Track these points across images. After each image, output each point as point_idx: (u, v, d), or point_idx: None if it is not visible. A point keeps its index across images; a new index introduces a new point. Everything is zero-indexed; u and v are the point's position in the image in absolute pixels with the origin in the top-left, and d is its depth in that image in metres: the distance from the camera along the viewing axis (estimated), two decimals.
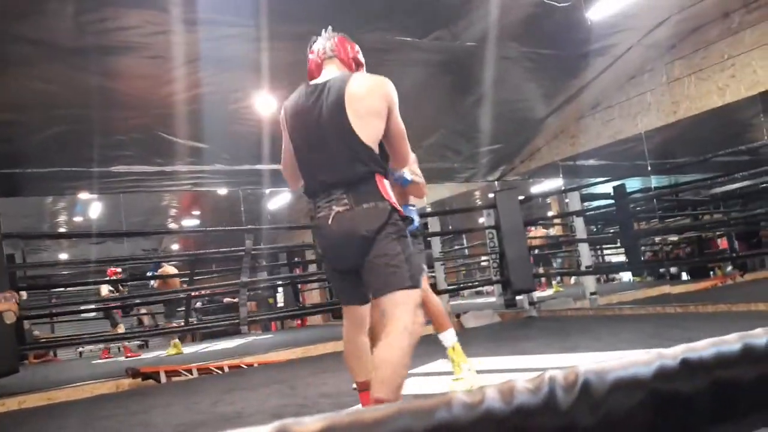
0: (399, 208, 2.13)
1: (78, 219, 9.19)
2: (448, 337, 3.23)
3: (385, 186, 2.11)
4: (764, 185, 7.26)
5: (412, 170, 2.90)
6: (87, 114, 4.72)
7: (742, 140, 6.40)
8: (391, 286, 2.03)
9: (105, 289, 7.97)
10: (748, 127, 6.60)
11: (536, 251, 8.91)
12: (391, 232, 2.06)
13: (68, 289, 9.88)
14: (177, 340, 7.53)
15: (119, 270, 7.96)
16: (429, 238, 7.68)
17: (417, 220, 3.26)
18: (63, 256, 10.25)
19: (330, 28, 2.39)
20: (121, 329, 7.89)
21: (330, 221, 2.08)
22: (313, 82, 2.23)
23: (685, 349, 0.50)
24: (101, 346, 8.28)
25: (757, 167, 6.55)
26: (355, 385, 2.42)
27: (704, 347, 0.50)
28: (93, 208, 8.48)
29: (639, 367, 0.47)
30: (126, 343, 7.97)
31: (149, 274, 8.15)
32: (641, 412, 0.46)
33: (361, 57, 2.39)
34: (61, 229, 9.36)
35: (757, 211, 7.53)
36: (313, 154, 2.17)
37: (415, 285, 2.08)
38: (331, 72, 2.25)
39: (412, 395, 3.22)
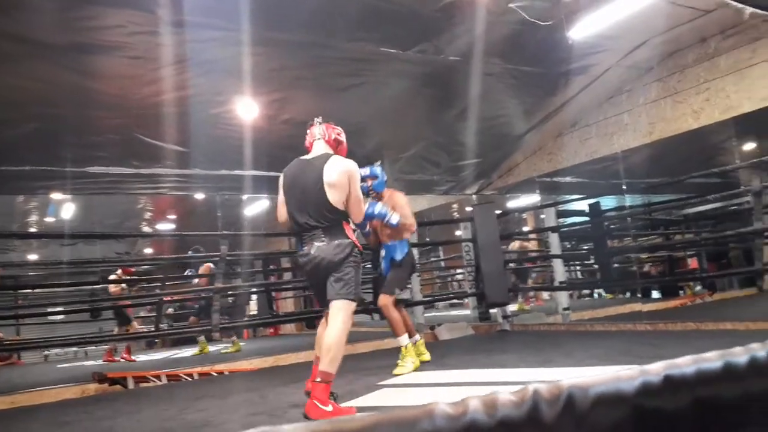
0: (358, 244, 3.19)
1: (50, 219, 9.00)
2: (404, 340, 4.38)
3: (350, 229, 3.22)
4: (734, 207, 7.42)
5: (404, 214, 4.29)
6: (63, 112, 4.63)
7: (714, 163, 6.55)
8: (339, 295, 3.11)
9: (114, 288, 7.84)
10: (720, 150, 6.75)
11: (512, 265, 8.97)
12: (350, 260, 3.14)
13: (36, 290, 9.65)
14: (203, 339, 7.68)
15: (134, 269, 7.90)
16: None
17: (406, 251, 4.52)
18: (33, 257, 10.02)
19: (320, 117, 3.40)
20: (134, 327, 7.79)
21: (313, 250, 3.14)
22: (304, 158, 3.31)
23: (668, 365, 0.50)
24: (105, 347, 8.12)
25: (728, 190, 6.70)
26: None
27: (686, 364, 0.50)
28: (66, 208, 8.31)
29: (622, 383, 0.47)
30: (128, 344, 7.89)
31: (188, 272, 8.17)
32: (624, 428, 0.45)
33: (341, 137, 3.44)
34: (32, 230, 9.16)
35: (726, 232, 7.67)
36: (301, 208, 3.18)
37: (355, 299, 3.15)
38: (319, 149, 3.33)
39: (393, 406, 3.20)
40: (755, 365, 0.51)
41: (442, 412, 0.41)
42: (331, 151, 3.31)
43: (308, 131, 3.41)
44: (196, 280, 7.96)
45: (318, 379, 2.96)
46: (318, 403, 2.89)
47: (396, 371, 4.21)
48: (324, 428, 0.36)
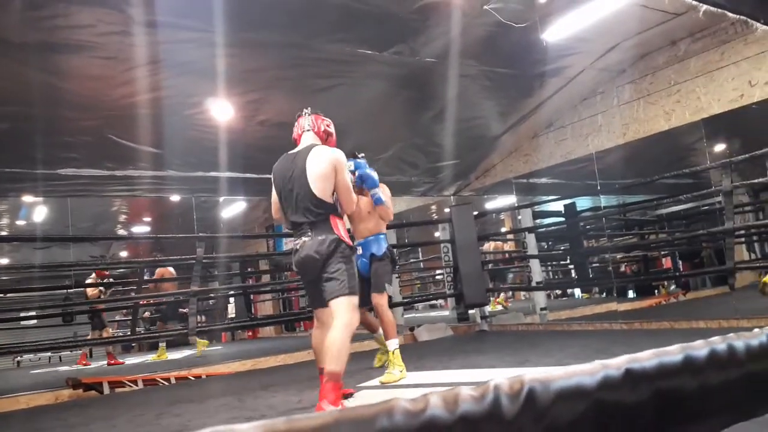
0: (346, 239, 3.07)
1: (21, 223, 8.82)
2: (393, 344, 4.14)
3: (337, 224, 3.07)
4: (706, 207, 7.54)
5: (386, 194, 4.06)
6: (33, 113, 4.52)
7: (686, 164, 6.64)
8: (336, 293, 2.99)
9: (92, 291, 7.68)
10: (691, 151, 6.86)
11: (490, 266, 9.02)
12: (339, 256, 3.02)
13: (8, 295, 9.44)
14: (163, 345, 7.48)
15: (107, 272, 7.76)
16: None
17: (385, 246, 4.37)
18: (4, 261, 9.81)
19: (309, 108, 3.31)
20: (108, 333, 7.63)
21: (298, 247, 3.07)
22: (291, 152, 3.20)
23: (629, 359, 0.50)
24: (79, 351, 7.96)
25: (699, 190, 6.81)
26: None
27: (647, 358, 0.51)
28: (38, 211, 8.15)
29: (583, 377, 0.47)
30: (110, 349, 7.74)
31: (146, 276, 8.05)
32: (585, 422, 0.46)
33: (331, 129, 3.36)
34: (3, 233, 8.97)
35: (699, 232, 7.80)
36: (291, 204, 3.10)
37: (353, 292, 3.02)
38: (307, 140, 3.23)
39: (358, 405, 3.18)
40: (714, 358, 0.51)
41: (402, 409, 0.41)
42: (319, 142, 3.22)
43: (296, 122, 3.31)
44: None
45: (325, 380, 2.88)
46: (327, 404, 2.80)
47: (384, 379, 3.96)
48: (280, 426, 0.36)
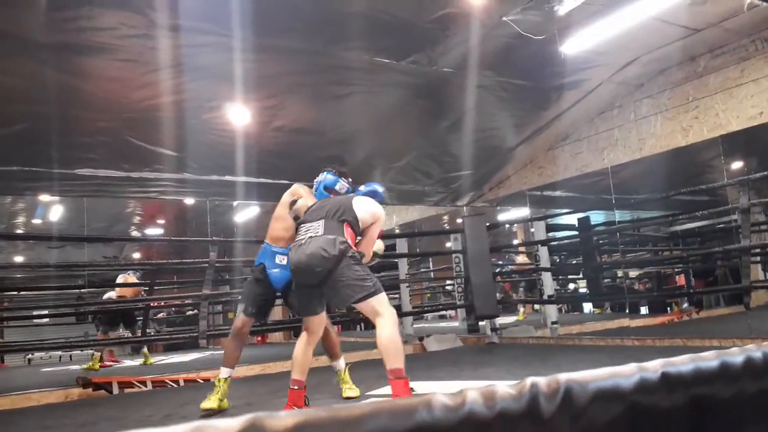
0: (354, 247, 3.02)
1: (37, 221, 8.90)
2: (341, 365, 3.90)
3: (352, 234, 3.07)
4: (722, 225, 7.47)
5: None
6: (52, 113, 4.57)
7: (702, 180, 6.59)
8: (363, 295, 2.93)
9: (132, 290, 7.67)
10: (708, 168, 6.80)
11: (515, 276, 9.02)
12: (350, 258, 2.94)
13: (21, 293, 9.52)
14: (146, 350, 7.35)
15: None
16: (396, 260, 7.66)
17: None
18: (19, 259, 9.89)
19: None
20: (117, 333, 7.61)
21: (304, 241, 3.00)
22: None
23: (665, 363, 0.50)
24: (108, 348, 7.96)
25: (715, 207, 6.75)
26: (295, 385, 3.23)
27: (683, 362, 0.50)
28: (54, 210, 8.23)
29: (620, 379, 0.47)
30: (112, 349, 7.74)
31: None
32: (621, 424, 0.45)
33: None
34: (19, 231, 9.05)
35: (714, 249, 7.73)
36: (319, 209, 3.18)
37: (378, 290, 2.96)
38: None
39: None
40: (751, 366, 0.51)
41: (440, 403, 0.40)
42: None
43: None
44: (109, 294, 7.74)
45: (391, 377, 2.91)
46: None
47: (348, 394, 3.78)
48: (321, 416, 0.36)
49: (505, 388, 0.44)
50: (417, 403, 0.41)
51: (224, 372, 3.70)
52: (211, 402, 3.51)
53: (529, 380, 0.46)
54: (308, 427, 0.33)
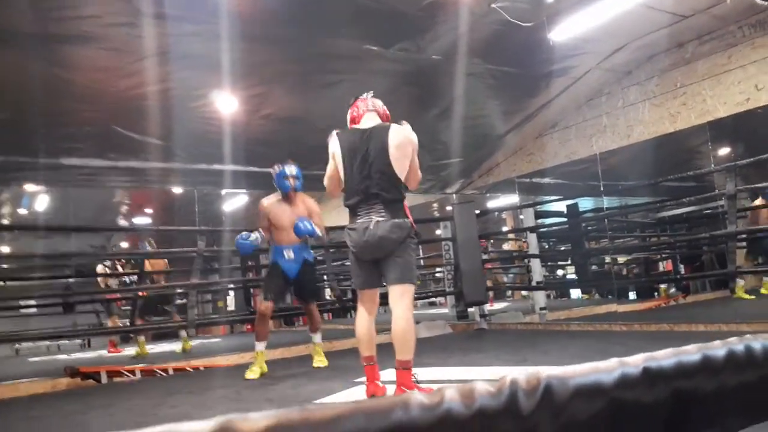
0: (414, 226, 3.11)
1: (23, 211, 8.82)
2: (318, 338, 4.75)
3: (407, 209, 3.11)
4: (708, 211, 7.53)
5: (320, 222, 4.40)
6: (37, 102, 4.52)
7: (689, 166, 6.63)
8: (402, 280, 3.03)
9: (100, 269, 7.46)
10: (695, 154, 6.85)
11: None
12: (410, 243, 3.06)
13: (8, 283, 9.44)
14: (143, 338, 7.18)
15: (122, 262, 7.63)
16: None
17: (311, 250, 4.70)
18: (5, 249, 9.80)
19: (372, 92, 3.32)
20: (113, 322, 7.38)
21: (371, 225, 3.00)
22: (359, 127, 3.16)
23: (647, 357, 0.49)
24: (109, 338, 7.82)
25: (703, 193, 6.80)
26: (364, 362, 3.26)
27: (665, 356, 0.50)
28: (40, 200, 8.15)
29: (601, 374, 0.46)
30: (112, 337, 7.65)
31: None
32: (602, 420, 0.45)
33: (385, 110, 3.32)
34: (4, 221, 8.96)
35: (700, 235, 7.79)
36: (362, 179, 3.03)
37: (415, 283, 3.13)
38: (371, 120, 3.19)
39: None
40: (733, 359, 0.51)
41: (417, 402, 0.40)
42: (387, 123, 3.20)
43: (355, 106, 3.28)
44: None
45: (400, 367, 3.05)
46: (406, 390, 3.00)
47: (317, 364, 4.64)
48: (294, 417, 0.35)
49: (483, 385, 0.44)
50: (393, 402, 0.40)
51: (259, 346, 4.47)
52: (253, 373, 4.33)
53: (509, 377, 0.46)
54: (281, 429, 0.33)
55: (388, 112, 3.31)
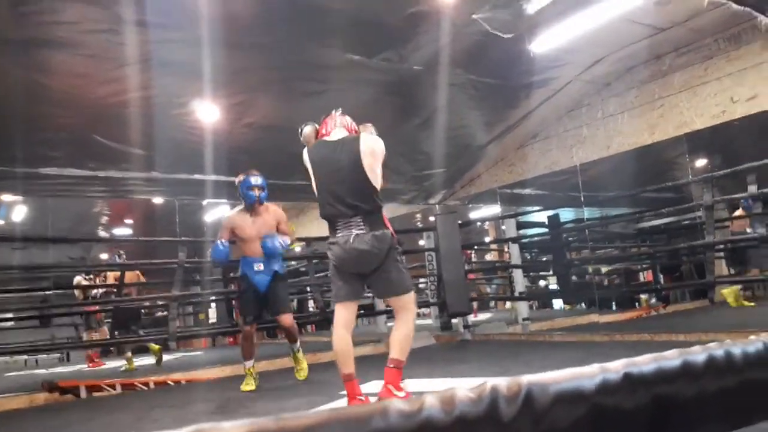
0: (395, 235, 3.09)
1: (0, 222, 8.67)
2: (298, 345, 4.67)
3: (386, 219, 3.09)
4: (687, 222, 7.63)
5: (290, 231, 4.50)
6: (12, 110, 4.44)
7: (668, 177, 6.72)
8: (401, 291, 3.09)
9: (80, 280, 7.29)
10: (674, 165, 6.94)
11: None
12: (395, 252, 3.05)
13: None
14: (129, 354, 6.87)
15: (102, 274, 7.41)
16: None
17: (284, 263, 4.69)
18: None
19: (340, 110, 3.30)
20: (97, 335, 7.13)
21: (351, 239, 2.97)
22: (329, 139, 3.14)
23: (627, 363, 0.49)
24: (89, 351, 7.56)
25: (681, 204, 6.89)
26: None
27: (646, 362, 0.50)
28: (17, 211, 8.03)
29: (582, 380, 0.46)
30: (90, 351, 7.48)
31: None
32: (583, 426, 0.44)
33: (354, 125, 3.28)
34: None
35: (679, 245, 7.90)
36: (336, 191, 3.02)
37: (413, 288, 3.18)
38: (340, 134, 3.16)
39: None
40: (712, 364, 0.51)
41: (397, 409, 0.39)
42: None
43: (324, 123, 3.25)
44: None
45: (391, 366, 3.03)
46: (392, 388, 2.99)
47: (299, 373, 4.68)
48: (269, 425, 0.34)
49: (464, 391, 0.43)
50: (372, 410, 0.40)
51: (248, 363, 4.47)
52: (249, 385, 4.36)
53: (489, 383, 0.45)
54: None
55: (357, 128, 3.27)
